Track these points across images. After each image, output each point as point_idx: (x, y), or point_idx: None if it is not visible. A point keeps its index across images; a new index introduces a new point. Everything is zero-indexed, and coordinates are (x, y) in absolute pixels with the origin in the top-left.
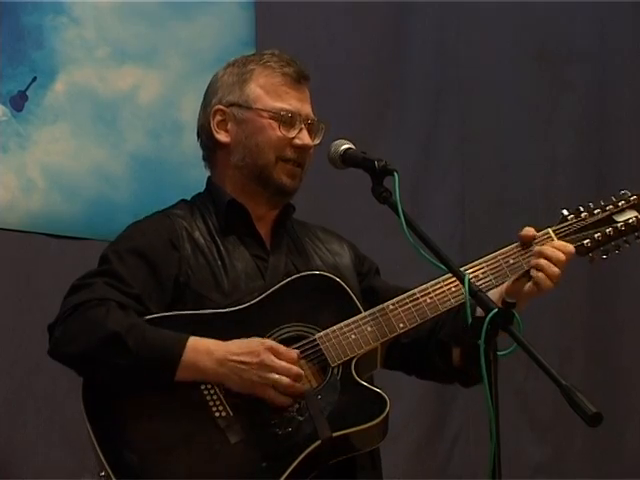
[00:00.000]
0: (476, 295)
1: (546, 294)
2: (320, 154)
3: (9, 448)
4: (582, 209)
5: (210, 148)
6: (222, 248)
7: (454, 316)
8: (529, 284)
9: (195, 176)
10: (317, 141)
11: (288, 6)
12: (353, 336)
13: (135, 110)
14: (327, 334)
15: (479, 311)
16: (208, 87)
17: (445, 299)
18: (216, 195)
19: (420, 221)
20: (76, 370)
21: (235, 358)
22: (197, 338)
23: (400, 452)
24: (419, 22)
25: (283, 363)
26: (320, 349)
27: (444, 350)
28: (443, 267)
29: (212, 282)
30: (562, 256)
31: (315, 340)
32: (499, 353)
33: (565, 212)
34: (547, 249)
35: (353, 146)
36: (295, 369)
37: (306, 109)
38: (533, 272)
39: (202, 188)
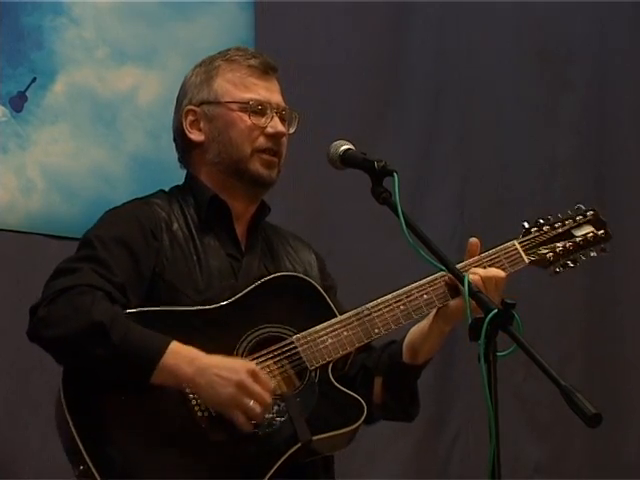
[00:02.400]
0: (475, 296)
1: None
2: (319, 154)
3: (9, 448)
4: (543, 222)
5: (185, 149)
6: (198, 243)
7: (383, 347)
8: (456, 300)
9: None
10: (292, 130)
11: (288, 6)
12: (330, 340)
13: (134, 111)
14: (304, 336)
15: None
16: (179, 90)
17: (417, 306)
18: (197, 189)
19: (419, 221)
20: (54, 354)
21: (215, 371)
22: (180, 344)
23: (400, 452)
24: (419, 22)
25: (260, 390)
26: (298, 351)
27: (367, 378)
28: (442, 268)
29: (186, 276)
30: (492, 274)
31: (292, 342)
32: (498, 354)
33: (526, 225)
34: (480, 269)
35: (353, 147)
36: (269, 400)
37: (276, 98)
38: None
39: (162, 189)
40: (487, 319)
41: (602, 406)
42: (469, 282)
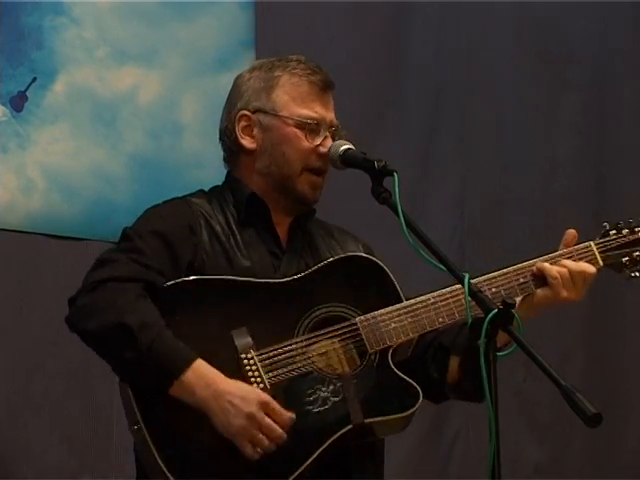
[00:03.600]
0: (475, 295)
1: (558, 304)
2: None
3: (9, 448)
4: (622, 224)
5: (234, 152)
6: (239, 239)
7: (460, 326)
8: (543, 290)
9: (195, 177)
10: None
11: (288, 6)
12: (393, 324)
13: (135, 110)
14: (368, 319)
15: None
16: (233, 89)
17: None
18: (236, 188)
19: (420, 221)
20: (87, 343)
21: (228, 398)
22: (204, 363)
23: (400, 452)
24: (419, 22)
25: (270, 423)
26: (359, 333)
27: (443, 356)
28: (443, 268)
29: (228, 269)
30: (581, 268)
31: (355, 324)
32: (499, 354)
33: (607, 226)
34: (570, 262)
35: (353, 146)
36: (279, 433)
37: (330, 115)
38: (550, 279)
39: (202, 189)
40: (487, 319)
41: (602, 406)
42: (469, 282)
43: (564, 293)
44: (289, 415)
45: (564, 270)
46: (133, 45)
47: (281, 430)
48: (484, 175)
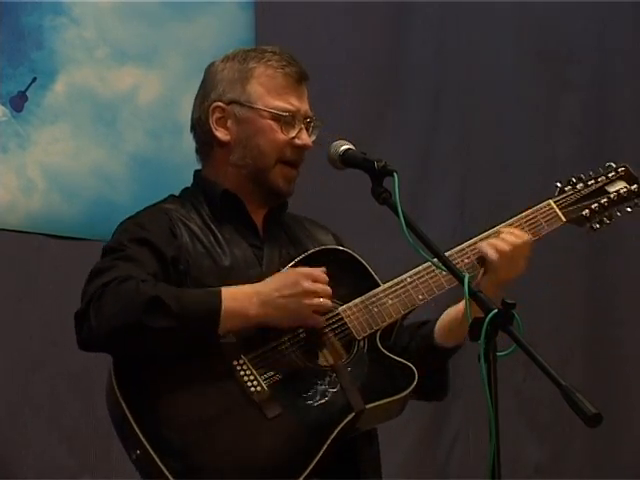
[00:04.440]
0: (475, 296)
1: (501, 279)
2: (320, 154)
3: (9, 448)
4: (576, 180)
5: (207, 144)
6: (219, 235)
7: (417, 327)
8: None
9: None
10: (312, 138)
11: (288, 6)
12: (376, 309)
13: (135, 110)
14: (350, 307)
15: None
16: (206, 79)
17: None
18: (208, 188)
19: (420, 221)
20: (119, 347)
21: (276, 294)
22: (229, 287)
23: (400, 452)
24: (419, 22)
25: (321, 286)
26: (345, 322)
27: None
28: (443, 268)
29: (213, 267)
30: (512, 237)
31: (339, 314)
32: (498, 354)
33: (559, 184)
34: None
35: (353, 147)
36: (328, 290)
37: (305, 107)
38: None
39: (172, 194)
40: (487, 319)
41: (602, 406)
42: (469, 282)
43: (508, 274)
44: (321, 269)
45: (504, 250)
46: (133, 45)
47: (327, 286)
48: (484, 175)
